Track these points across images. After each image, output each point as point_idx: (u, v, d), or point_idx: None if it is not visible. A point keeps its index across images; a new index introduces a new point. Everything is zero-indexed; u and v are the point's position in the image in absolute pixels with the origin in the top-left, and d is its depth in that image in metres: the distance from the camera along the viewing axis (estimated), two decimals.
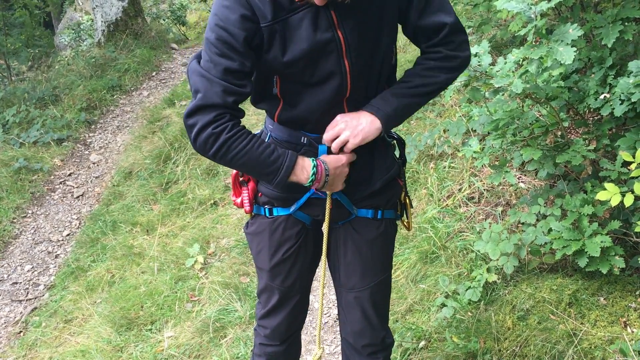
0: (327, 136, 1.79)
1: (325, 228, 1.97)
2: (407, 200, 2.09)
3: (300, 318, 2.23)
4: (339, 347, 2.73)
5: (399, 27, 1.84)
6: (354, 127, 1.76)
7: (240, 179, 1.98)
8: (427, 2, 1.75)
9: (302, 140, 1.86)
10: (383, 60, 1.80)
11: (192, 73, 1.68)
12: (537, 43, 2.23)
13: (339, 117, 1.79)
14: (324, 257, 2.01)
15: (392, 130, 2.01)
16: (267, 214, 1.98)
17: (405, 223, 2.15)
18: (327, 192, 1.90)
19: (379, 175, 1.93)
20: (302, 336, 3.36)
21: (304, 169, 1.75)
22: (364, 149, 1.85)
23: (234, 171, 1.96)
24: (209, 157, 1.69)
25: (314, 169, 1.75)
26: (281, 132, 1.89)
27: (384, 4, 1.72)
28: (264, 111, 1.95)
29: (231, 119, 1.66)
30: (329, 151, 1.85)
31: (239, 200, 2.00)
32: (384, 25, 1.75)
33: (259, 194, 1.99)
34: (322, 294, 2.12)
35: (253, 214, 2.03)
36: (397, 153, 2.09)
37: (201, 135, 1.64)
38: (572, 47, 2.13)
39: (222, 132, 1.63)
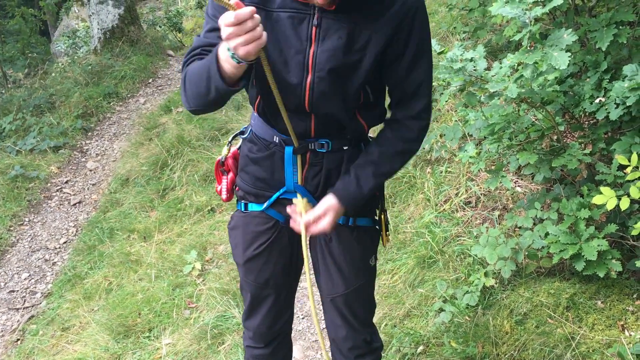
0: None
1: (302, 229, 1.89)
2: (382, 216, 2.06)
3: (282, 320, 2.20)
4: None
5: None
6: (331, 223, 1.82)
7: (221, 168, 2.06)
8: (415, 64, 1.76)
9: (274, 139, 1.89)
10: (357, 89, 1.77)
11: None
12: (532, 48, 2.24)
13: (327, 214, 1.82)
14: (306, 258, 1.96)
15: (370, 138, 2.01)
16: (243, 209, 2.03)
17: (382, 238, 2.11)
18: (298, 195, 1.89)
19: None
20: (301, 342, 3.36)
21: (228, 60, 1.57)
22: (336, 155, 1.88)
23: (217, 159, 2.06)
24: (187, 93, 1.75)
25: (229, 50, 1.55)
26: (259, 127, 1.92)
27: (377, 45, 1.70)
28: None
29: (195, 57, 1.75)
30: (295, 151, 1.86)
31: (219, 187, 2.07)
32: (369, 62, 1.72)
33: (237, 188, 2.05)
34: (312, 295, 2.11)
35: (236, 209, 2.07)
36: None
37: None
38: (566, 51, 2.14)
39: (183, 67, 1.77)
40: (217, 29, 1.63)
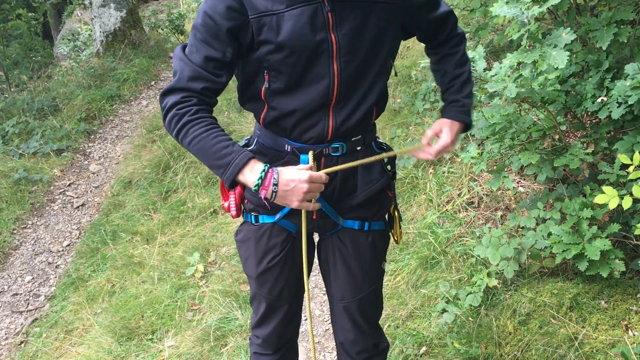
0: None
1: (303, 239, 1.91)
2: (396, 213, 2.06)
3: (292, 327, 2.20)
4: None
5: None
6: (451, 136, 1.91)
7: None
8: (435, 2, 1.91)
9: (285, 148, 1.85)
10: (377, 74, 1.79)
11: (175, 57, 1.74)
12: (531, 47, 2.24)
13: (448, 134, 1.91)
14: (305, 266, 1.94)
15: (381, 141, 2.02)
16: (253, 221, 1.97)
17: (394, 236, 2.12)
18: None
19: (363, 186, 1.91)
20: (303, 343, 3.35)
21: (253, 170, 1.67)
22: (350, 158, 1.86)
23: None
24: (174, 138, 1.74)
25: (262, 174, 1.66)
26: (267, 137, 1.88)
27: (387, 18, 1.74)
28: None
29: (198, 103, 1.70)
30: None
31: (226, 204, 1.99)
32: (384, 39, 1.76)
33: (246, 201, 1.98)
34: (309, 305, 2.10)
35: (243, 220, 2.03)
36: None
37: (168, 114, 1.70)
38: (566, 50, 2.13)
39: (185, 114, 1.68)
40: (215, 59, 1.68)
